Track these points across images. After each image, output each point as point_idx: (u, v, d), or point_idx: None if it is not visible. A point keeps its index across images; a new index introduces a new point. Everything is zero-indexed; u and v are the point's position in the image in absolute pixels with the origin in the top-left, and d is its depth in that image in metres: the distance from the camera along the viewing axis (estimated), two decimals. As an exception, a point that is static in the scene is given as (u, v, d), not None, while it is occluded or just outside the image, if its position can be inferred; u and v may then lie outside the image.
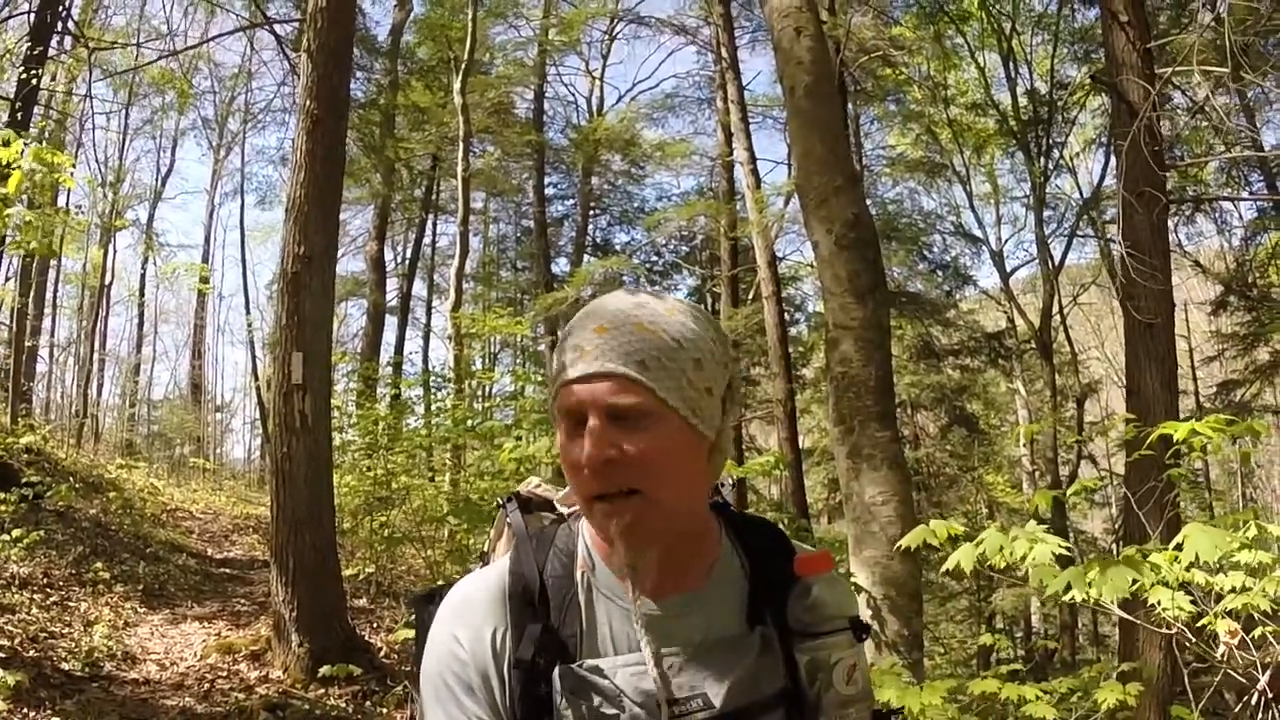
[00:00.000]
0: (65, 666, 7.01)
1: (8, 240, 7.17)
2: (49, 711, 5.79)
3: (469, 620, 1.31)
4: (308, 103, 8.25)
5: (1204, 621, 2.80)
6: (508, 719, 1.27)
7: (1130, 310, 7.45)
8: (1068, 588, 2.90)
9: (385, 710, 7.07)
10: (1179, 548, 2.73)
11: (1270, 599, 2.69)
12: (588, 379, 1.25)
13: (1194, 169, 15.19)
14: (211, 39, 22.18)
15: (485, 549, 1.57)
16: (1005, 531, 3.22)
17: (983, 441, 21.45)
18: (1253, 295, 15.36)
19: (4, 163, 5.92)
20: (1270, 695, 2.88)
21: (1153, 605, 2.87)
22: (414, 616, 1.51)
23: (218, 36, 22.21)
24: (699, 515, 1.38)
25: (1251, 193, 15.96)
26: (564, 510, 1.46)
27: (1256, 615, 2.74)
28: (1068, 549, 3.09)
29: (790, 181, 17.40)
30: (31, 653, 6.85)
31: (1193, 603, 2.91)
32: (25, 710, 5.66)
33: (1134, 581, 2.73)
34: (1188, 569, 2.84)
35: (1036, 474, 20.45)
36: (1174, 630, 2.93)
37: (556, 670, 1.25)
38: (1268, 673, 2.84)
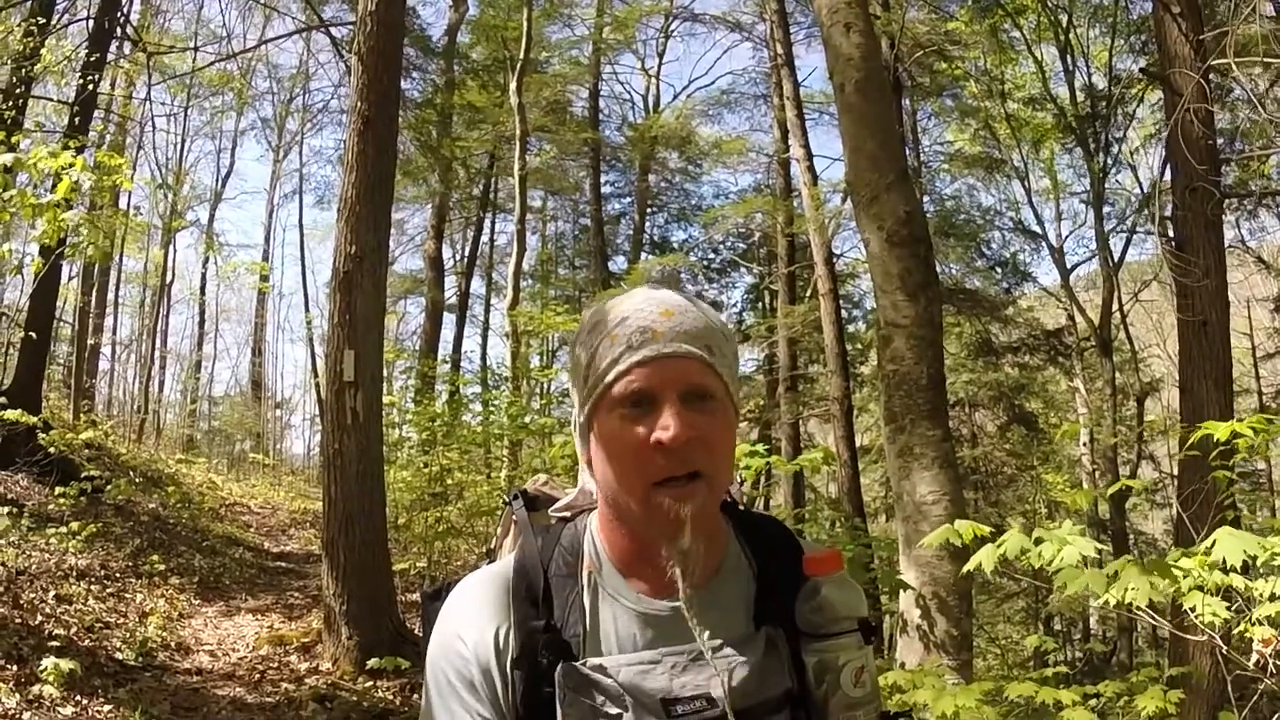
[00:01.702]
0: (119, 656, 7.13)
1: (67, 244, 7.32)
2: (101, 699, 5.89)
3: (473, 617, 1.31)
4: (359, 104, 8.36)
5: (1241, 629, 2.72)
6: (510, 717, 1.26)
7: (1183, 308, 7.31)
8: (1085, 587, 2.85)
9: (433, 703, 7.05)
10: (1209, 551, 2.67)
11: None
12: (662, 359, 1.25)
13: (1257, 163, 14.87)
14: (267, 41, 22.46)
15: (491, 545, 1.57)
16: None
17: (1042, 440, 21.17)
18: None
19: (55, 170, 6.04)
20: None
21: (1190, 609, 2.80)
22: (422, 611, 1.50)
23: (273, 39, 22.51)
24: (719, 509, 1.37)
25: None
26: (566, 513, 1.44)
27: None
28: (1100, 550, 3.01)
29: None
30: (87, 642, 6.96)
31: (1230, 609, 2.83)
32: (78, 697, 5.75)
33: (1157, 586, 2.68)
34: (1218, 572, 2.76)
35: (1096, 474, 20.15)
36: (1206, 636, 2.86)
37: (559, 668, 1.24)
38: None
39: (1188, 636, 2.87)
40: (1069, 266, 21.28)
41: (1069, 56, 18.32)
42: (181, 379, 32.40)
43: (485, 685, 1.27)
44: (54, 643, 6.22)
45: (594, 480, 1.36)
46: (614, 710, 1.23)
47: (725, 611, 1.33)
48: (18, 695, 5.42)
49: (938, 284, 7.01)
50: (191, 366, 32.50)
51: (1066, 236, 22.61)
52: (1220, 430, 3.29)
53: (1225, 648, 2.79)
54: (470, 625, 1.30)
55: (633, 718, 1.24)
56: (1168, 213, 7.73)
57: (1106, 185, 18.68)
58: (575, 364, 1.35)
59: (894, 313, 6.37)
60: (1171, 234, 7.37)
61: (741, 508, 1.46)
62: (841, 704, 1.26)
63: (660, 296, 1.33)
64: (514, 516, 1.48)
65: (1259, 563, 2.65)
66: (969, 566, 3.30)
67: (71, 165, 5.82)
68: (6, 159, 5.82)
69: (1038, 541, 3.05)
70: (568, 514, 1.43)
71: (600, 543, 1.36)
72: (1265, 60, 7.52)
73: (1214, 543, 2.70)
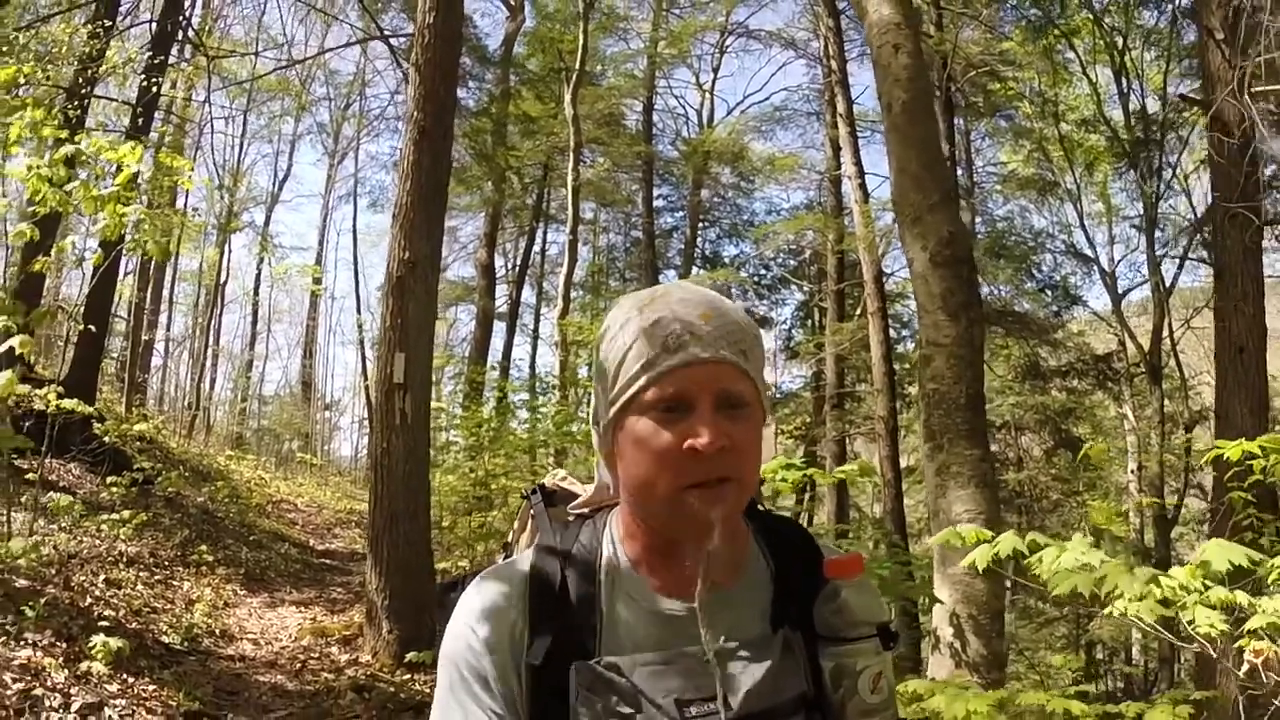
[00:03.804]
0: (165, 639, 7.33)
1: (126, 239, 7.54)
2: (147, 679, 6.06)
3: (488, 613, 1.30)
4: (415, 114, 8.55)
5: (1241, 643, 2.77)
6: (523, 714, 1.25)
7: (1220, 334, 7.33)
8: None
9: (467, 698, 7.19)
10: (1203, 563, 2.74)
11: None
12: (702, 363, 1.24)
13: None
14: (326, 52, 22.82)
15: (509, 539, 1.57)
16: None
17: (1089, 466, 20.99)
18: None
19: (116, 162, 6.24)
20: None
21: (1190, 623, 2.86)
22: (438, 603, 1.47)
23: (332, 50, 22.81)
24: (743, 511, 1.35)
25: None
26: (585, 510, 1.43)
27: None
28: (1103, 560, 3.08)
29: (893, 197, 17.30)
30: (134, 625, 7.15)
31: (1228, 621, 2.88)
32: (125, 676, 5.93)
33: (1144, 588, 2.76)
34: (1219, 587, 2.82)
35: (1143, 502, 19.96)
36: (1200, 648, 2.91)
37: (573, 667, 1.23)
38: None
39: (1183, 645, 2.91)
40: (1121, 291, 21.10)
41: (1124, 79, 18.17)
42: (233, 377, 32.91)
43: (499, 681, 1.26)
44: (103, 624, 6.39)
45: (613, 477, 1.35)
46: (627, 710, 1.22)
47: (742, 612, 1.32)
48: (66, 671, 5.59)
49: (979, 305, 7.05)
50: (243, 365, 32.97)
51: (1119, 261, 22.42)
52: (1231, 450, 3.35)
53: (1226, 661, 2.84)
54: (485, 621, 1.29)
55: (645, 718, 1.22)
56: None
57: (1159, 210, 18.52)
58: (603, 361, 1.32)
59: (935, 332, 6.43)
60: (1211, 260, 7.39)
61: (761, 508, 1.45)
62: (857, 709, 1.26)
63: (696, 297, 1.31)
64: (531, 511, 1.47)
65: (1269, 579, 2.71)
66: (964, 563, 3.37)
67: (131, 157, 6.03)
68: (68, 150, 6.04)
69: (1037, 547, 3.12)
70: (586, 510, 1.43)
71: (619, 541, 1.35)
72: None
73: (1203, 553, 2.78)
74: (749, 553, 1.38)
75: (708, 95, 29.35)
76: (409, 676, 7.48)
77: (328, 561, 13.04)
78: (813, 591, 1.31)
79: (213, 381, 30.09)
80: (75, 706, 5.18)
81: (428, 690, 7.27)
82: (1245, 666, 2.70)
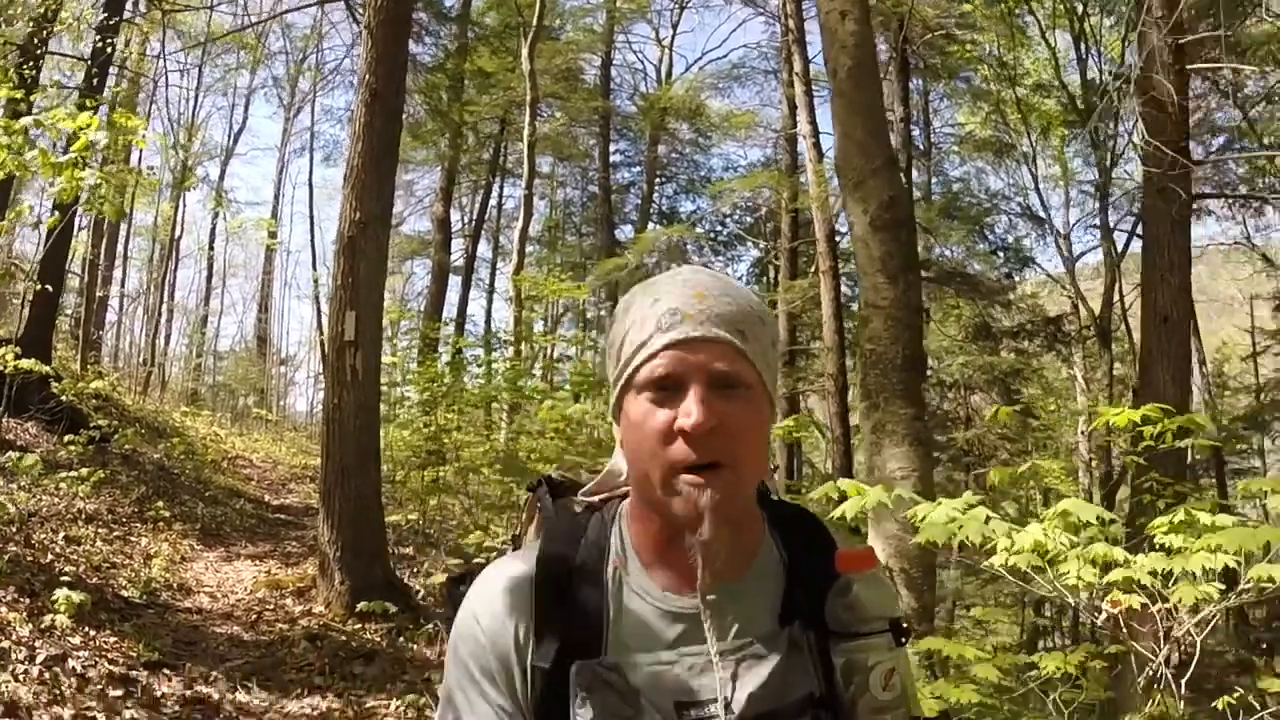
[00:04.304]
0: (124, 593, 7.50)
1: (82, 200, 7.60)
2: (108, 632, 6.23)
3: (494, 609, 1.29)
4: (367, 76, 8.64)
5: (1111, 596, 2.99)
6: (527, 710, 1.25)
7: (1146, 304, 7.61)
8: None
9: (416, 645, 7.49)
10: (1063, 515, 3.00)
11: (1158, 575, 2.89)
12: (691, 343, 1.22)
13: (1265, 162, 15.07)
14: (284, 13, 22.53)
15: (516, 532, 1.52)
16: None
17: (1039, 427, 21.35)
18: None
19: (73, 130, 6.32)
20: (1171, 669, 3.08)
21: (1064, 575, 3.11)
22: (448, 596, 1.47)
23: (289, 10, 22.55)
24: (752, 499, 1.32)
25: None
26: (594, 498, 1.40)
27: (1156, 589, 2.93)
28: (960, 510, 3.34)
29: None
30: (94, 580, 7.30)
31: (1099, 577, 3.11)
32: (86, 629, 6.09)
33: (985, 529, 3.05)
34: (1101, 543, 3.07)
35: (1093, 463, 20.37)
36: (1076, 601, 3.15)
37: (574, 666, 1.22)
38: (1166, 647, 3.04)
39: (1057, 595, 3.13)
40: (1075, 255, 21.40)
41: (1083, 44, 18.35)
42: (187, 333, 32.71)
43: (504, 676, 1.26)
44: (64, 579, 6.54)
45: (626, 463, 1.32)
46: (627, 710, 1.21)
47: (752, 607, 1.29)
48: (30, 625, 5.76)
49: (918, 268, 7.28)
50: (198, 321, 32.75)
51: (1075, 224, 22.68)
52: (1118, 418, 3.59)
53: (1097, 615, 3.07)
54: (490, 616, 1.29)
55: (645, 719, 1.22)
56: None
57: (1114, 176, 18.78)
58: (610, 344, 1.31)
59: (874, 294, 6.64)
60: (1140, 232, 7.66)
61: (775, 498, 1.41)
62: (869, 706, 1.23)
63: (695, 278, 1.28)
64: (539, 504, 1.43)
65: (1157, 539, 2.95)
66: (850, 510, 3.54)
67: (89, 126, 6.12)
68: (27, 121, 6.12)
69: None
70: (595, 499, 1.40)
71: (629, 533, 1.33)
72: (1234, 66, 7.73)
73: (1058, 510, 3.05)
74: (761, 544, 1.34)
75: (667, 51, 29.27)
76: (360, 626, 7.68)
77: (283, 516, 13.17)
78: (825, 585, 1.28)
79: (167, 337, 29.94)
80: (40, 658, 5.34)
81: (378, 639, 7.51)
82: (1103, 616, 2.93)
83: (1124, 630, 2.99)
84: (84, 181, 6.28)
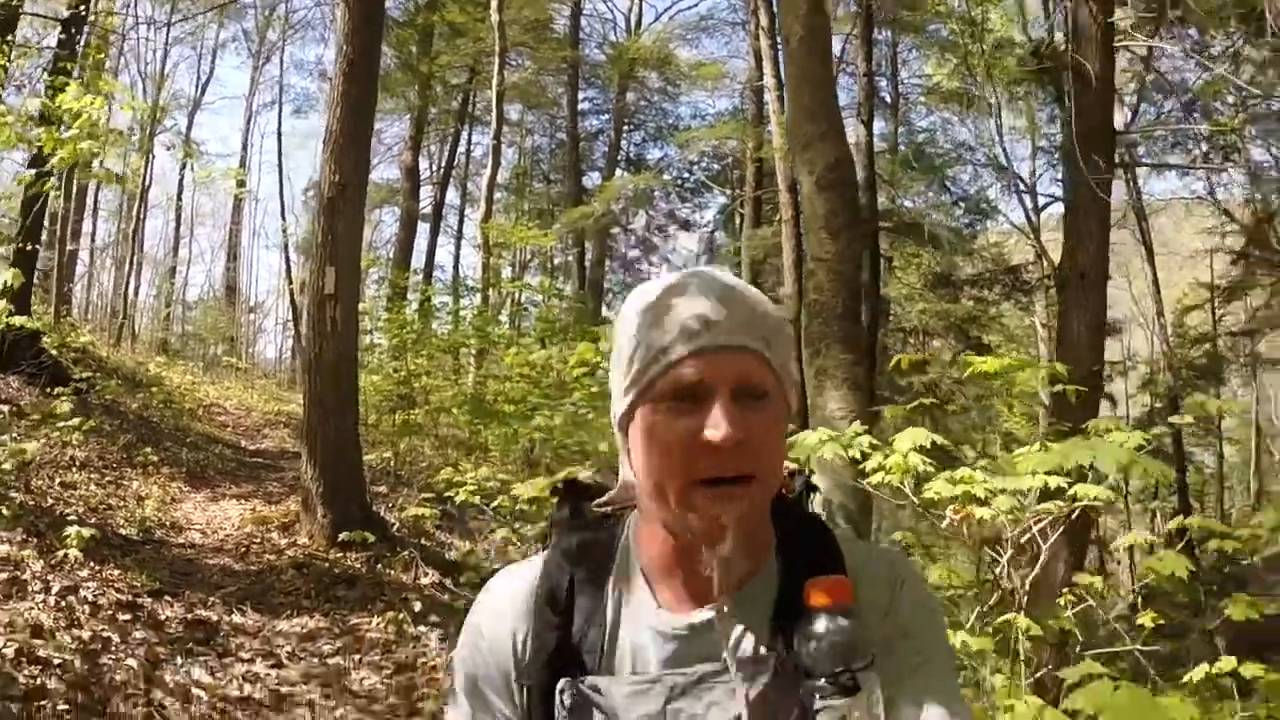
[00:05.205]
0: (123, 532, 8.04)
1: (95, 171, 7.96)
2: (112, 566, 6.77)
3: (496, 618, 1.31)
4: (345, 47, 9.08)
5: (954, 505, 3.62)
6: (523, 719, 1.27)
7: (1065, 261, 8.26)
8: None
9: (393, 571, 8.14)
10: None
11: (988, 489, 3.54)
12: (717, 352, 1.17)
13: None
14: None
15: (547, 533, 1.45)
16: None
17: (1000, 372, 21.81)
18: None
19: (76, 109, 6.76)
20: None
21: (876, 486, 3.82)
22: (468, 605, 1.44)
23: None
24: (767, 512, 1.28)
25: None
26: (608, 509, 1.37)
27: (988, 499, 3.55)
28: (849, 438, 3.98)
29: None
30: (93, 520, 7.79)
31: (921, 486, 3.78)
32: (92, 564, 6.63)
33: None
34: (914, 455, 3.81)
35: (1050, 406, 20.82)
36: (936, 514, 3.76)
37: (560, 682, 1.22)
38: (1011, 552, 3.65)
39: (913, 505, 3.72)
40: (1041, 206, 21.78)
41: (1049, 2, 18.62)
42: (156, 283, 32.86)
43: (504, 685, 1.28)
44: (69, 520, 7.08)
45: (633, 474, 1.26)
46: None
47: (749, 626, 1.22)
48: (42, 561, 6.30)
49: (860, 224, 7.81)
50: (166, 271, 32.88)
51: (1041, 175, 22.97)
52: (986, 365, 4.21)
53: (962, 528, 3.66)
54: (491, 624, 1.31)
55: None
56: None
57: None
58: (618, 350, 1.25)
59: (819, 248, 7.17)
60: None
61: (787, 493, 1.34)
62: None
63: (715, 283, 1.23)
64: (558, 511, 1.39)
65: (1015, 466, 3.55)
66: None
67: (92, 104, 6.58)
68: (32, 105, 6.59)
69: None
70: (609, 510, 1.36)
71: (635, 546, 1.30)
72: (1155, 44, 8.28)
73: (901, 437, 3.74)
74: (766, 559, 1.27)
75: (636, 1, 29.34)
76: (341, 554, 8.28)
77: (260, 460, 13.59)
78: (801, 614, 1.18)
79: (136, 289, 30.04)
80: (55, 589, 5.90)
81: (359, 565, 8.17)
82: (945, 521, 3.54)
83: (967, 534, 3.58)
84: (87, 154, 6.75)
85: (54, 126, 6.86)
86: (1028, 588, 3.54)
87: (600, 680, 1.21)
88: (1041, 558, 3.64)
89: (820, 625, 1.13)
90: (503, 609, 1.31)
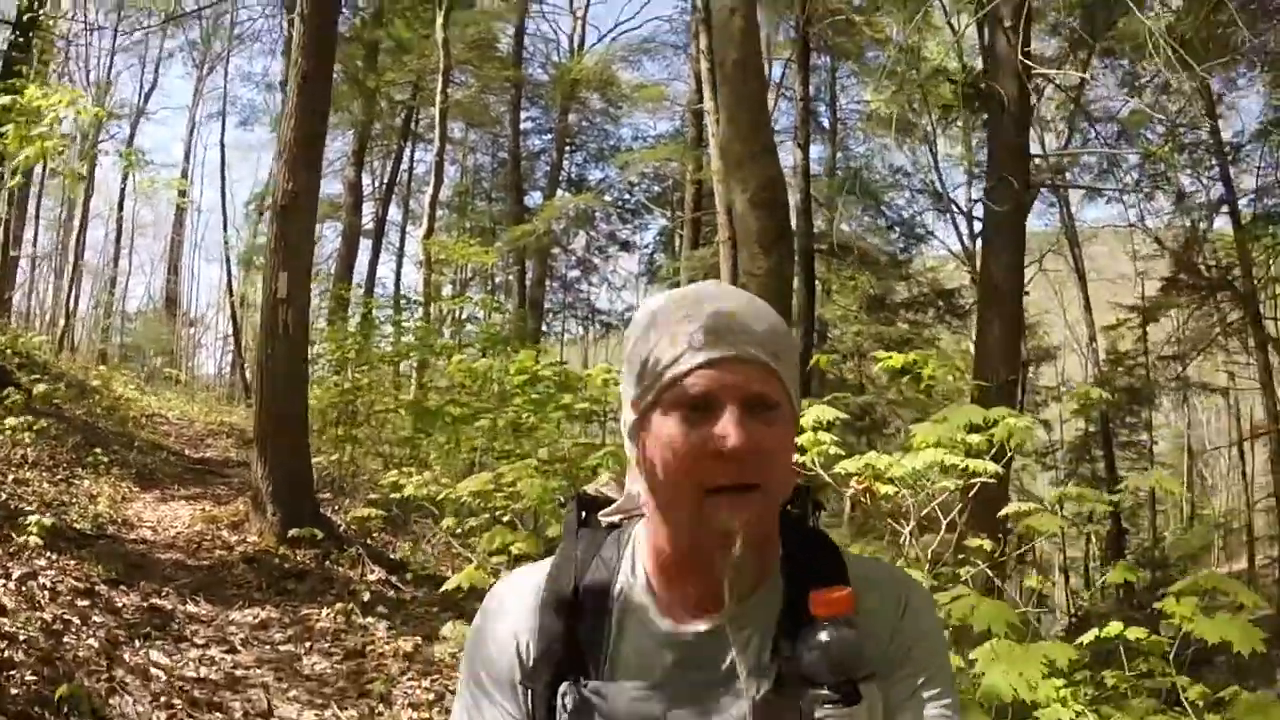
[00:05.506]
0: (77, 526, 8.23)
1: (58, 169, 8.14)
2: (68, 556, 6.99)
3: (501, 621, 1.33)
4: (299, 60, 9.39)
5: (856, 478, 4.01)
6: None
7: (984, 275, 8.79)
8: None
9: (342, 567, 8.45)
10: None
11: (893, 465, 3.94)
12: (727, 363, 1.19)
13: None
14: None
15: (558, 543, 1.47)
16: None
17: (933, 396, 22.29)
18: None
19: (42, 107, 7.00)
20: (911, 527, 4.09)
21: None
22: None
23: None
24: (775, 523, 1.29)
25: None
26: (616, 518, 1.39)
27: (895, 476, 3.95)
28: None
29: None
30: (48, 515, 7.99)
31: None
32: (50, 554, 6.84)
33: None
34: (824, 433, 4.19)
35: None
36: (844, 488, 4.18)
37: (562, 687, 1.24)
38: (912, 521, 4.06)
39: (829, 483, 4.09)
40: (976, 232, 22.23)
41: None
42: (96, 294, 32.60)
43: (509, 686, 1.30)
44: (24, 513, 7.30)
45: (642, 483, 1.29)
46: None
47: (753, 636, 1.25)
48: (0, 550, 6.52)
49: (790, 242, 8.20)
50: (107, 281, 32.65)
51: (975, 201, 23.47)
52: (893, 361, 4.64)
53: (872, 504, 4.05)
54: (496, 627, 1.33)
55: None
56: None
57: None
58: (629, 359, 1.27)
59: (750, 264, 7.55)
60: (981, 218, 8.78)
61: (795, 513, 1.34)
62: None
63: (725, 296, 1.27)
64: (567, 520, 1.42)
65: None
66: None
67: (60, 103, 6.83)
68: (4, 100, 6.82)
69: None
70: (617, 518, 1.39)
71: (642, 554, 1.32)
72: (1070, 75, 8.82)
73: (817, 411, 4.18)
74: (772, 571, 1.29)
75: (580, 22, 29.68)
76: (291, 550, 8.54)
77: (205, 468, 13.65)
78: (804, 626, 1.21)
79: (76, 298, 29.78)
80: (15, 576, 6.10)
81: (308, 561, 8.45)
82: (850, 491, 3.94)
83: (869, 504, 3.98)
84: (54, 152, 6.99)
85: (21, 124, 7.07)
86: (929, 556, 3.94)
87: (605, 685, 1.23)
88: (942, 530, 4.03)
89: (823, 635, 1.17)
90: (508, 612, 1.33)
